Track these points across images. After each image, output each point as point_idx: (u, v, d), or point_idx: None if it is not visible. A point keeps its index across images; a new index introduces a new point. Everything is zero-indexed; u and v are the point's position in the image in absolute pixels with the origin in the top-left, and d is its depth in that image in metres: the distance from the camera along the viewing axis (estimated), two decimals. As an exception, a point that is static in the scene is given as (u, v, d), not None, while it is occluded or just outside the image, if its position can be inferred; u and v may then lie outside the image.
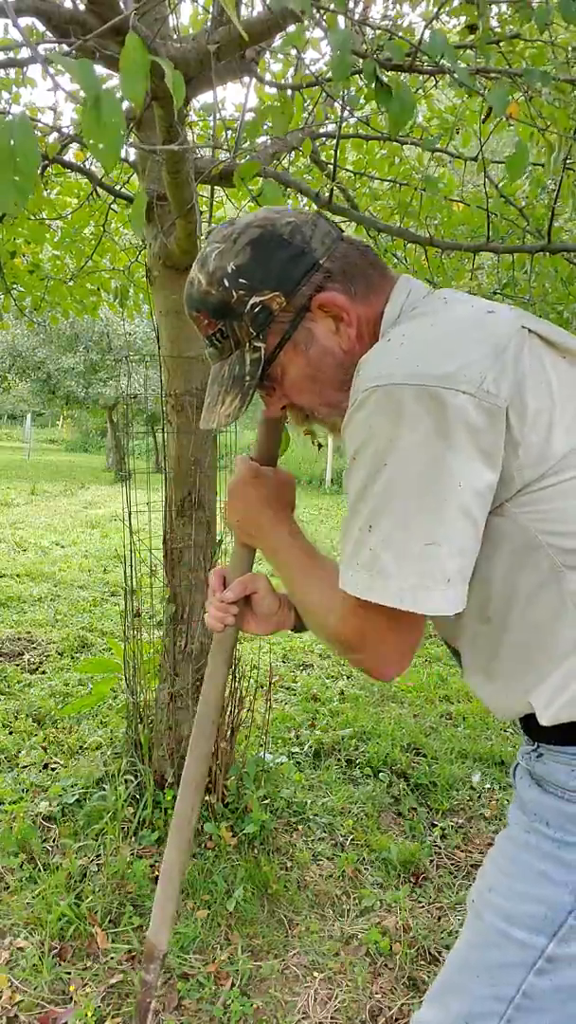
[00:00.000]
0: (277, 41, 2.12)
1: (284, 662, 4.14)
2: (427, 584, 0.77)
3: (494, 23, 2.35)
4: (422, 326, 0.86)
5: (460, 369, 0.76)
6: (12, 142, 0.58)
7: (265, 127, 2.11)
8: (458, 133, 3.21)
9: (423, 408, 0.75)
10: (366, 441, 0.78)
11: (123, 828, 2.23)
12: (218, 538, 2.43)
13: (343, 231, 0.99)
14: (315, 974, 1.83)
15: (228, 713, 2.45)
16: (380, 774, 2.79)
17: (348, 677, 3.93)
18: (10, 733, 3.00)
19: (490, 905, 0.89)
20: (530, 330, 0.85)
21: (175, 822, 1.13)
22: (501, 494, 0.80)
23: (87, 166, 3.09)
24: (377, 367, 0.81)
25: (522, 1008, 0.85)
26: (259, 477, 1.06)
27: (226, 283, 0.91)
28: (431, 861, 2.29)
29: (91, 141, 0.63)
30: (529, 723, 0.88)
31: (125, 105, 2.38)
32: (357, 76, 2.34)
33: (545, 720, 0.84)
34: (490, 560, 0.83)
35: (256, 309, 0.91)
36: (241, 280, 0.91)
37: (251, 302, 0.91)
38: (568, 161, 2.29)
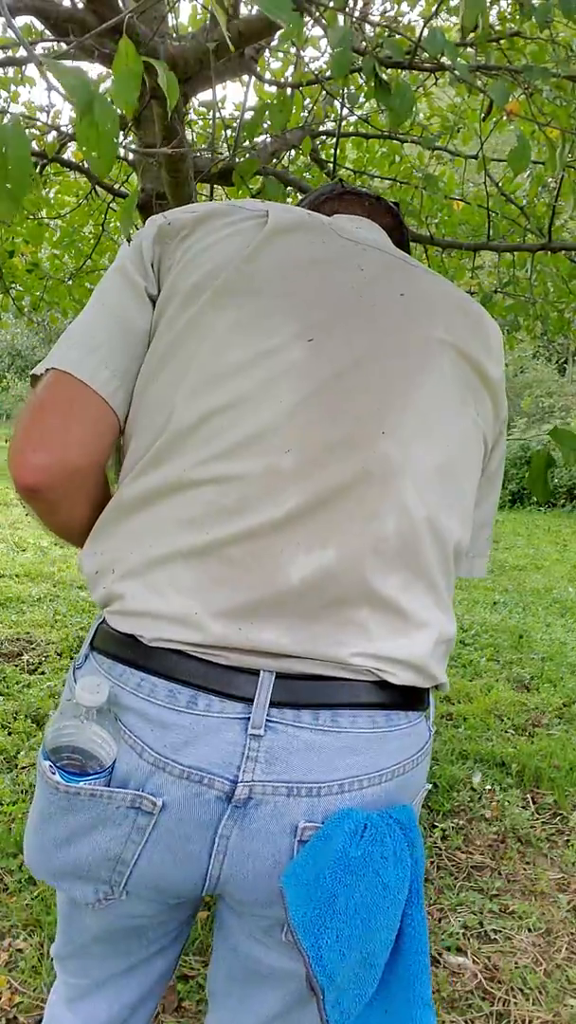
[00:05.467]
0: (276, 39, 2.11)
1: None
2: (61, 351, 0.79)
3: (494, 20, 2.34)
4: None
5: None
6: (4, 149, 0.57)
7: (265, 125, 2.10)
8: (458, 131, 3.21)
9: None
10: None
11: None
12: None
13: None
14: (315, 976, 1.82)
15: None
16: (380, 774, 2.78)
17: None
18: (9, 734, 2.99)
19: None
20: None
21: None
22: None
23: (85, 165, 3.08)
24: None
25: None
26: None
27: None
28: (431, 862, 2.28)
29: (85, 148, 0.62)
30: None
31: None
32: (357, 74, 2.33)
33: None
34: None
35: None
36: None
37: None
38: (569, 159, 2.28)
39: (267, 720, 0.71)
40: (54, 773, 0.73)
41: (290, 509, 0.73)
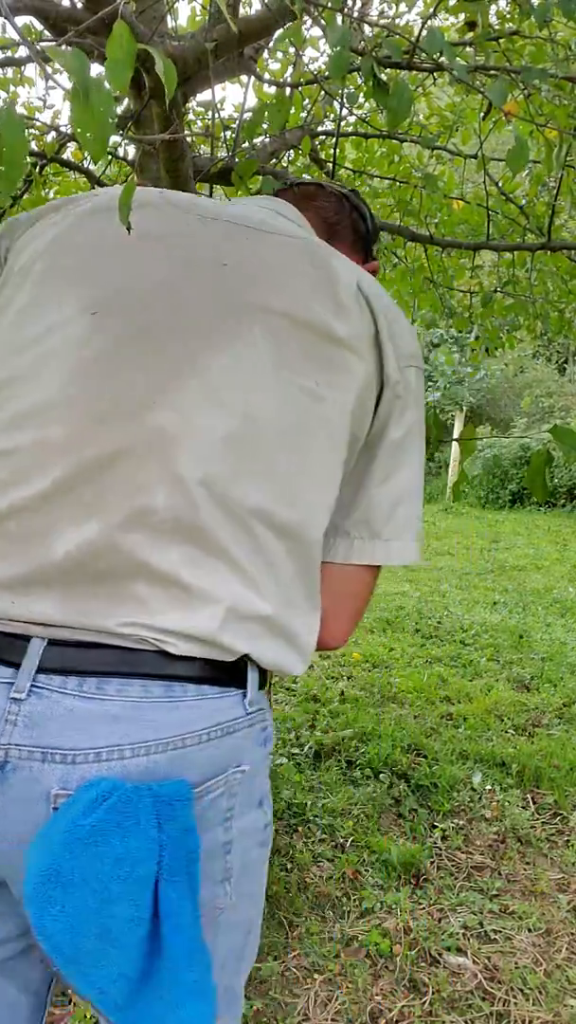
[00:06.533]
0: (275, 39, 2.11)
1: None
2: None
3: (493, 19, 2.34)
4: None
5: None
6: (-2, 131, 0.57)
7: (264, 126, 2.10)
8: (458, 131, 3.21)
9: None
10: None
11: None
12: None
13: None
14: (315, 976, 1.82)
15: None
16: (381, 775, 2.78)
17: (348, 678, 3.92)
18: (9, 734, 2.99)
19: None
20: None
21: None
22: None
23: (85, 165, 3.09)
24: None
25: None
26: None
27: None
28: (431, 862, 2.28)
29: (79, 130, 0.62)
30: None
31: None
32: (356, 74, 2.33)
33: None
34: None
35: None
36: None
37: None
38: (568, 158, 2.28)
39: (32, 685, 0.70)
40: None
41: (55, 480, 0.72)
